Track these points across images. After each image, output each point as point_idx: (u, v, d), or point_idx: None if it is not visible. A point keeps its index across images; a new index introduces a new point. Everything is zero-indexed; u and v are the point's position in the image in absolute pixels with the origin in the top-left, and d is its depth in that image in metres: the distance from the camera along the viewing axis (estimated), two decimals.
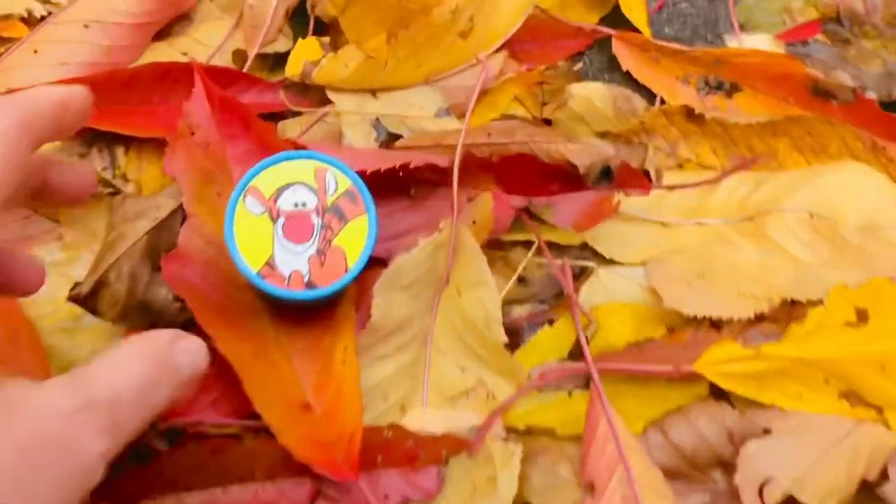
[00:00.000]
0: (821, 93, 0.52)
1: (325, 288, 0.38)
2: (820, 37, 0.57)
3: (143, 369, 0.29)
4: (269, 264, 0.38)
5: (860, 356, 0.40)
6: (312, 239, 0.39)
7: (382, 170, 0.43)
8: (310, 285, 0.38)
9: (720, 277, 0.45)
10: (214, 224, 0.41)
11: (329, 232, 0.39)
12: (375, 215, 0.40)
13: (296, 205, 0.39)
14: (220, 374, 0.38)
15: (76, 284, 0.40)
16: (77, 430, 0.26)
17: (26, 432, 0.25)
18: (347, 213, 0.39)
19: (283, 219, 0.39)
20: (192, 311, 0.39)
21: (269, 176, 0.39)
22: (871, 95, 0.53)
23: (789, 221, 0.46)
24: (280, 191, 0.39)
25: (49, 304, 0.42)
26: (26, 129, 0.29)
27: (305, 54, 0.50)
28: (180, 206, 0.43)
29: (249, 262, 0.38)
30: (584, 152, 0.44)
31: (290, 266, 0.38)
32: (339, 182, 0.40)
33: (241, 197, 0.39)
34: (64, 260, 0.43)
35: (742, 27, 0.58)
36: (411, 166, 0.43)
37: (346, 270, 0.39)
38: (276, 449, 0.37)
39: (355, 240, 0.39)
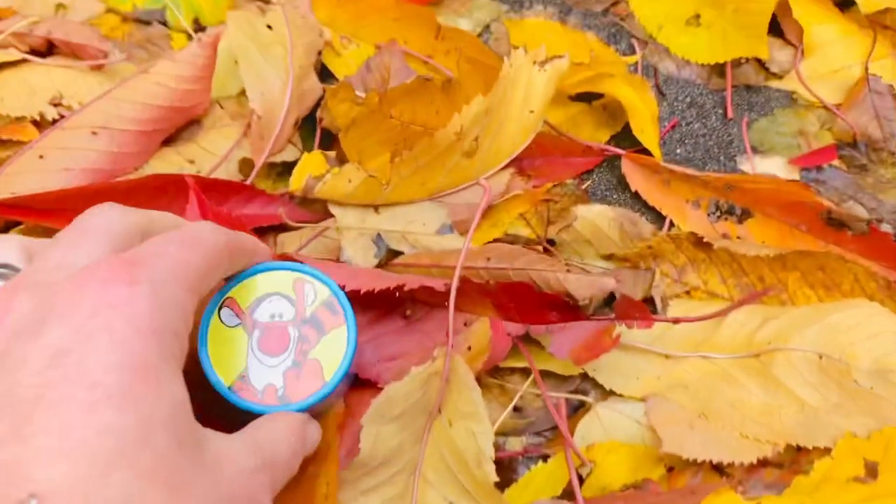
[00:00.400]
0: (834, 223, 0.51)
1: (300, 402, 0.37)
2: (836, 162, 0.56)
3: (293, 441, 0.34)
4: (243, 377, 0.37)
5: None
6: (288, 351, 0.38)
7: (376, 290, 0.42)
8: (284, 399, 0.37)
9: (723, 418, 0.43)
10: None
11: (306, 344, 0.38)
12: (355, 326, 0.38)
13: (272, 316, 0.38)
14: None
15: None
16: (258, 487, 0.30)
17: (229, 486, 0.28)
18: (326, 324, 0.38)
19: (258, 331, 0.38)
20: None
21: (247, 287, 0.38)
22: (887, 228, 0.52)
23: (797, 361, 0.44)
24: (257, 302, 0.38)
25: None
26: (230, 251, 0.34)
27: (310, 168, 0.50)
28: None
29: (222, 375, 0.37)
30: (584, 284, 0.42)
31: (265, 380, 0.37)
32: (318, 293, 0.39)
33: (217, 309, 0.38)
34: None
35: (755, 149, 0.57)
36: (406, 289, 0.42)
37: (322, 384, 0.37)
38: None
39: (333, 352, 0.38)
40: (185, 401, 0.28)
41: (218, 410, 0.36)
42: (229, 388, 0.37)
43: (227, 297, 0.38)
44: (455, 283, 0.42)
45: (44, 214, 0.46)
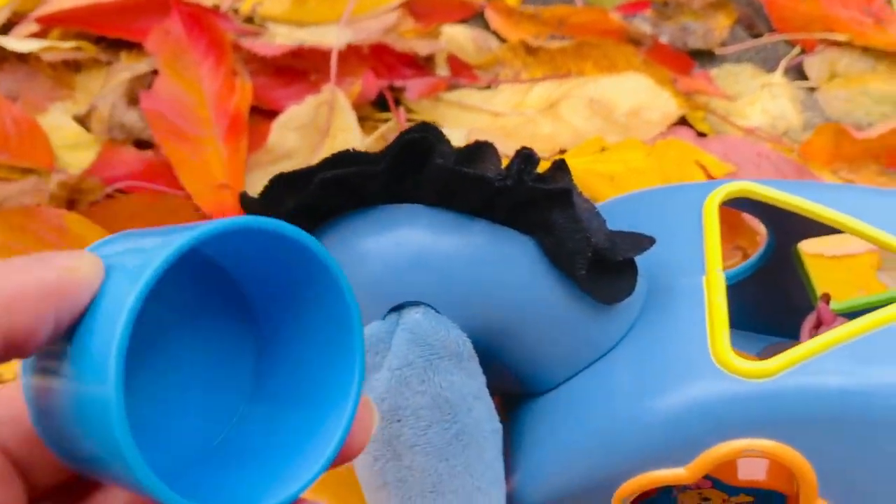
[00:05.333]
0: (632, 40, 0.71)
1: None
2: (649, 13, 0.76)
3: None
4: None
5: (597, 171, 0.57)
6: None
7: (285, 53, 0.63)
8: None
9: (524, 140, 0.63)
10: (177, 78, 0.61)
11: None
12: None
13: None
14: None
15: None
16: None
17: None
18: None
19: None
20: (152, 127, 0.59)
21: None
22: (665, 41, 0.72)
23: (576, 104, 0.64)
24: None
25: (60, 130, 0.62)
26: None
27: None
28: (154, 70, 0.63)
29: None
30: (426, 45, 0.63)
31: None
32: None
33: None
34: (72, 108, 0.64)
35: (590, 5, 0.78)
36: (304, 49, 0.63)
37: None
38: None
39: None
40: None
41: None
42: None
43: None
44: (336, 48, 0.63)
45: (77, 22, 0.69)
